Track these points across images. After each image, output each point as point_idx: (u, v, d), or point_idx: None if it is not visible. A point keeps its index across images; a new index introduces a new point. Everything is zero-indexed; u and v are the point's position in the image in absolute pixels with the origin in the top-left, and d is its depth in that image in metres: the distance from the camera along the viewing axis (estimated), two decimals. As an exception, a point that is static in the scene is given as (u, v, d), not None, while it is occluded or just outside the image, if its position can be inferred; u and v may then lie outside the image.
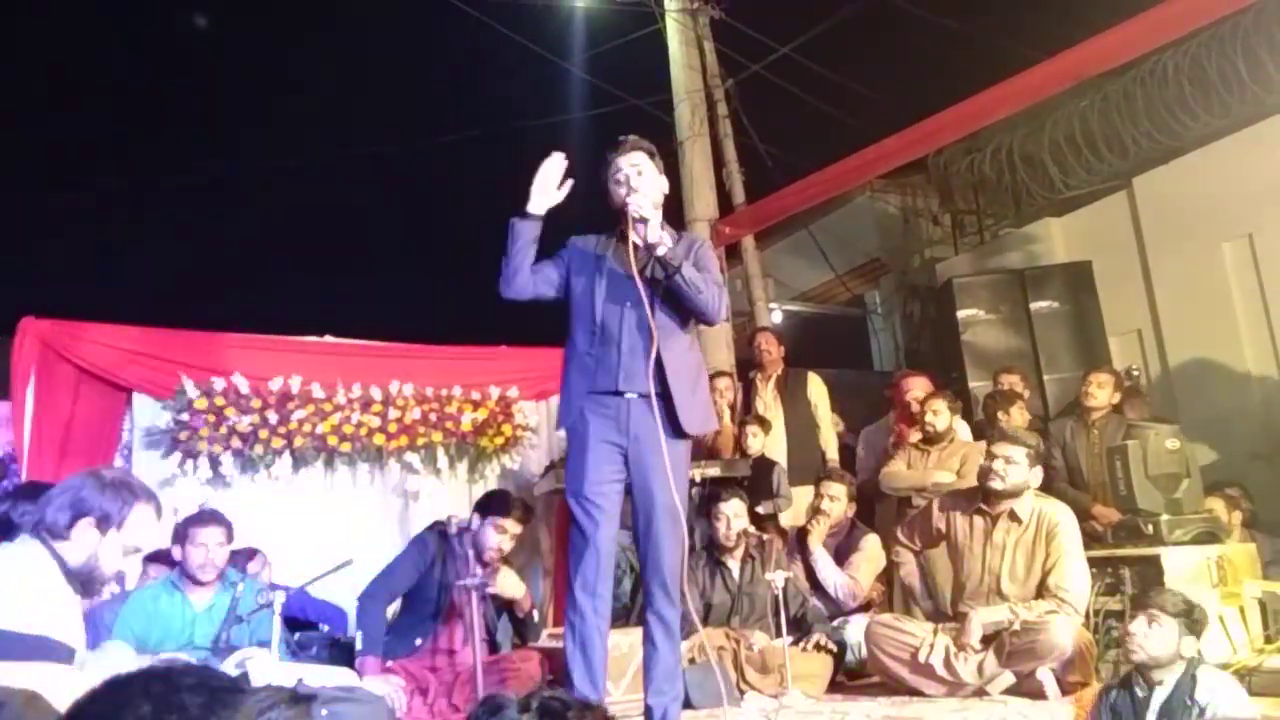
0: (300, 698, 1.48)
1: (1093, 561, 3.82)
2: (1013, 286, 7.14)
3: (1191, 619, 2.96)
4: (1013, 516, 3.73)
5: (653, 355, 2.84)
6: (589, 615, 2.84)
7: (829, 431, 5.83)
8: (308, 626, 4.48)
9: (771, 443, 5.48)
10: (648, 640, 2.91)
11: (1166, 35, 5.42)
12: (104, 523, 2.12)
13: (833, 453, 5.75)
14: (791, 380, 5.88)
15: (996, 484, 3.71)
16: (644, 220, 2.80)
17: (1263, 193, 6.17)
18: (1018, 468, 3.70)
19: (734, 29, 8.46)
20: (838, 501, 4.69)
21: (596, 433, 2.90)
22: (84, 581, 2.16)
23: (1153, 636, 2.93)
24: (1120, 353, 6.94)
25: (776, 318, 9.44)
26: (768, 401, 5.82)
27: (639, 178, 2.90)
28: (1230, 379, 6.37)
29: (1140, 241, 7.08)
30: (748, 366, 8.66)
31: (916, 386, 5.46)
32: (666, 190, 3.01)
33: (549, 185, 2.86)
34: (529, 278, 2.91)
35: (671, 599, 2.89)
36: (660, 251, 2.82)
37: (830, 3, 8.32)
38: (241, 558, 4.32)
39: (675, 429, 2.89)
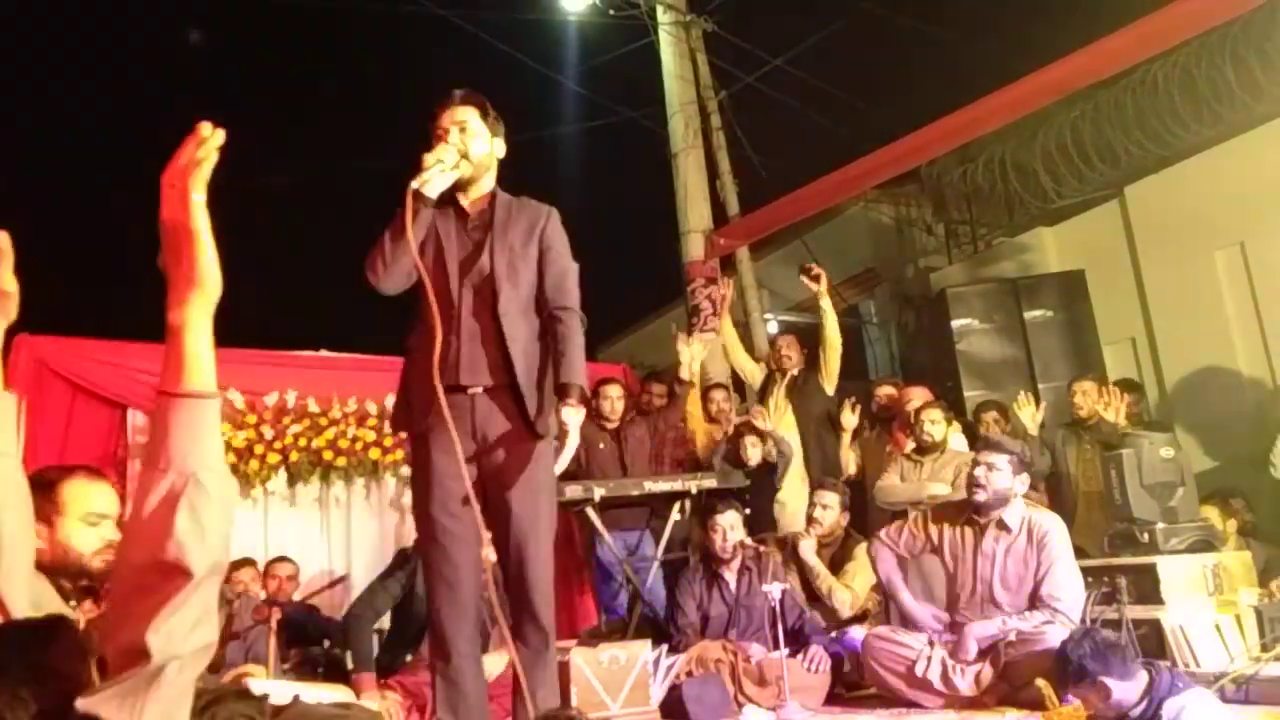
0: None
1: (1088, 571, 3.83)
2: (1006, 296, 7.16)
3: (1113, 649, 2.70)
4: (1001, 525, 3.74)
5: (498, 341, 2.57)
6: (455, 657, 2.54)
7: (849, 445, 5.62)
8: (305, 642, 4.46)
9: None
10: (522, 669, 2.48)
11: (1156, 46, 5.47)
12: (41, 516, 1.96)
13: (852, 467, 5.56)
14: (806, 383, 5.77)
15: (980, 496, 3.73)
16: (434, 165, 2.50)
17: (1254, 201, 6.20)
18: (1001, 474, 3.72)
19: (727, 41, 8.52)
20: (830, 510, 4.69)
21: (440, 440, 2.49)
22: (75, 576, 2.03)
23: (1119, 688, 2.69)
24: (1114, 361, 6.95)
25: (772, 328, 9.45)
26: (778, 402, 5.76)
27: (460, 134, 2.60)
28: (1224, 386, 6.38)
29: (1133, 250, 7.10)
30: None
31: (915, 396, 5.46)
32: (500, 154, 2.72)
33: None
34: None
35: (540, 624, 2.58)
36: (429, 192, 2.51)
37: (822, 14, 8.38)
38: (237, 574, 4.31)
39: (528, 425, 2.56)
